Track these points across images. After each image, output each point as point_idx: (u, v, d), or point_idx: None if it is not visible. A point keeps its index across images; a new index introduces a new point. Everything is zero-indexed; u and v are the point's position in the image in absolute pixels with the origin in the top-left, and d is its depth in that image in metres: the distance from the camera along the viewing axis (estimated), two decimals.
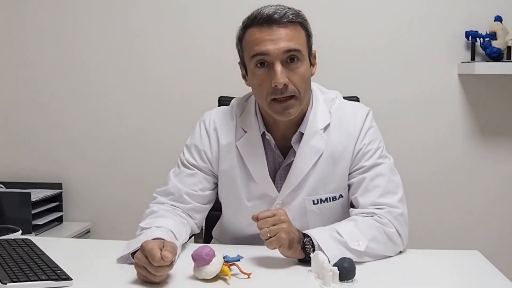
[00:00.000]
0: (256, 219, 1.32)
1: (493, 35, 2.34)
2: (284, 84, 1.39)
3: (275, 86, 1.38)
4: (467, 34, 2.38)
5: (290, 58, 1.40)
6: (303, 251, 1.33)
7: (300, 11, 1.46)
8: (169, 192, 1.54)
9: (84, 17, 2.59)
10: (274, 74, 1.38)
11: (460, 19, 2.41)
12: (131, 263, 1.30)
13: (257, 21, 1.41)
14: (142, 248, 1.22)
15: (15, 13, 2.62)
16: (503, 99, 2.45)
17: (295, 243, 1.32)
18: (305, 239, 1.34)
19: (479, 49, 2.39)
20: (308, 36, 1.47)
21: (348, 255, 1.31)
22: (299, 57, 1.41)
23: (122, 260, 1.35)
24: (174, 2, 2.53)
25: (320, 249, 1.32)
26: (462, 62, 2.42)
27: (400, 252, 1.45)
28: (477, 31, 2.36)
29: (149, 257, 1.19)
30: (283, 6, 1.43)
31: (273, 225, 1.29)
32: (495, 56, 2.34)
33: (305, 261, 1.33)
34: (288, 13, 1.41)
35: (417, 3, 2.43)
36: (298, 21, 1.43)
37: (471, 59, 2.40)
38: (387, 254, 1.41)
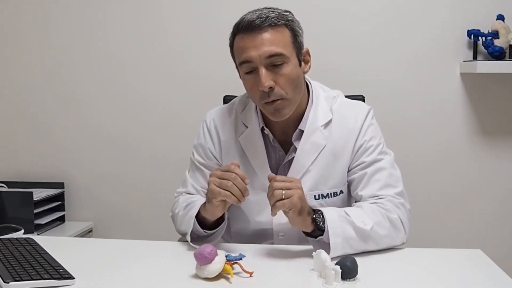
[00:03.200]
0: (272, 179, 1.33)
1: (495, 34, 2.33)
2: (270, 87, 1.41)
3: (262, 90, 1.42)
4: (469, 33, 2.38)
5: (274, 61, 1.42)
6: (313, 224, 1.35)
7: (286, 11, 1.47)
8: (191, 193, 1.60)
9: (89, 20, 2.59)
10: (259, 78, 1.41)
11: (462, 17, 2.40)
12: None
13: (241, 28, 1.44)
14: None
15: (20, 14, 2.63)
16: (505, 98, 2.45)
17: (305, 213, 1.34)
18: (314, 215, 1.35)
19: (481, 48, 2.38)
20: (295, 35, 1.47)
21: (353, 235, 1.34)
22: (284, 60, 1.43)
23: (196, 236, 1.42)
24: (179, 4, 2.53)
25: (326, 224, 1.33)
26: (464, 61, 2.42)
27: (400, 246, 1.45)
28: (479, 30, 2.36)
29: (224, 169, 1.35)
30: (266, 10, 1.44)
31: (289, 189, 1.31)
32: (497, 55, 2.33)
33: (312, 235, 1.34)
34: (270, 17, 1.42)
35: (420, 2, 2.43)
36: (281, 23, 1.44)
37: (473, 58, 2.39)
38: (391, 241, 1.42)
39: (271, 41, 1.41)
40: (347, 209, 1.42)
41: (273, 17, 1.42)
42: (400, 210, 1.46)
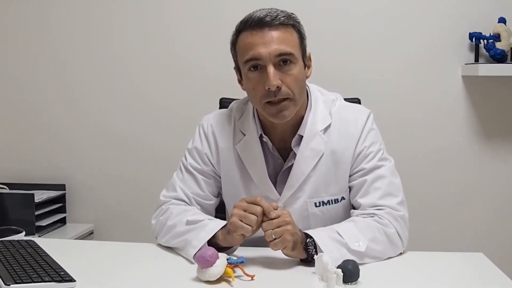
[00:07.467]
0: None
1: (497, 37, 2.33)
2: (277, 87, 1.38)
3: (268, 88, 1.38)
4: (471, 36, 2.37)
5: (283, 60, 1.39)
6: (305, 252, 1.33)
7: (292, 13, 1.45)
8: (180, 199, 1.55)
9: (90, 20, 2.59)
10: (267, 77, 1.38)
11: (463, 20, 2.40)
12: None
13: (249, 24, 1.40)
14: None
15: (22, 14, 2.63)
16: (507, 100, 2.45)
17: (299, 244, 1.32)
18: (307, 240, 1.34)
19: (483, 50, 2.38)
20: (301, 38, 1.45)
21: (349, 256, 1.31)
22: (292, 60, 1.40)
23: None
24: (176, 5, 2.53)
25: (321, 251, 1.31)
26: (465, 64, 2.42)
27: (401, 253, 1.44)
28: (481, 33, 2.35)
29: (250, 201, 1.32)
30: (275, 9, 1.42)
31: (278, 227, 1.30)
32: (499, 57, 2.33)
33: (307, 261, 1.33)
34: (279, 16, 1.40)
35: (421, 5, 2.43)
36: (290, 23, 1.42)
37: (475, 61, 2.39)
38: (387, 255, 1.41)
39: (281, 40, 1.38)
40: (339, 228, 1.38)
41: (283, 16, 1.40)
42: (398, 223, 1.43)
